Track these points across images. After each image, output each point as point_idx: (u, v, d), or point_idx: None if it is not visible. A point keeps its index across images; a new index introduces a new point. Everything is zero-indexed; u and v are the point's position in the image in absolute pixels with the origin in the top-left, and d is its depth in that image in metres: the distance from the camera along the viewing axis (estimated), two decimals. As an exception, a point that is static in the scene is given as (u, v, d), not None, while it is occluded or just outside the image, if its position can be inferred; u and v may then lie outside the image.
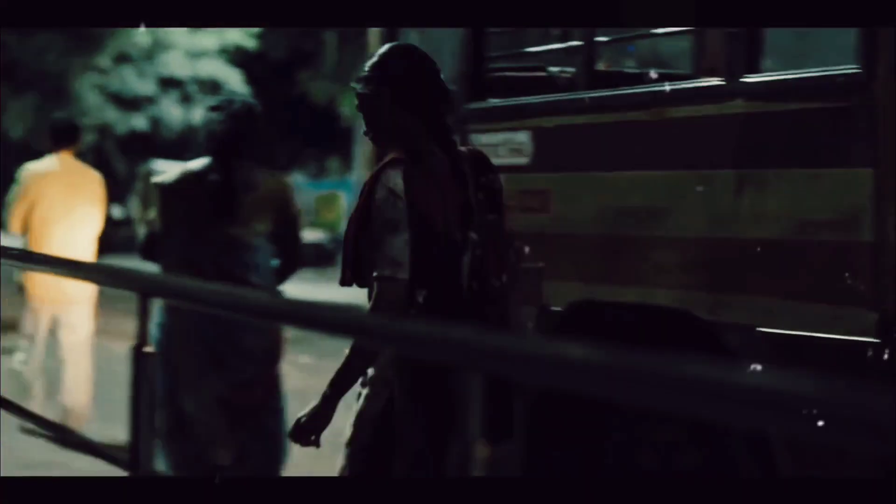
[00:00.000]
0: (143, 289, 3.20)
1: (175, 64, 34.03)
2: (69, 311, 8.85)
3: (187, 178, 5.58)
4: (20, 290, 8.76)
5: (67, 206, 8.71)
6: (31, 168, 8.81)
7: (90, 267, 3.92)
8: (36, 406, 8.48)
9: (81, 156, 9.60)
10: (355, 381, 3.95)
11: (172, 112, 34.69)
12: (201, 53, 33.93)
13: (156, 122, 35.14)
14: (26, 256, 5.00)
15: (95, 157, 36.82)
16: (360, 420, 4.15)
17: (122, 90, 34.45)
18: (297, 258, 5.74)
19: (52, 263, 4.61)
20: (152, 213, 5.78)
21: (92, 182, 9.01)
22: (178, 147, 34.14)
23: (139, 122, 34.86)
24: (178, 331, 5.50)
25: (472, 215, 3.97)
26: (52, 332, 8.91)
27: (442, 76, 4.06)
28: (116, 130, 35.39)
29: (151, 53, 34.20)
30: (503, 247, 4.11)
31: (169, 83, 34.60)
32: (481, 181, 4.03)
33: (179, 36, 33.54)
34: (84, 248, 8.80)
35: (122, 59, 34.44)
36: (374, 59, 4.05)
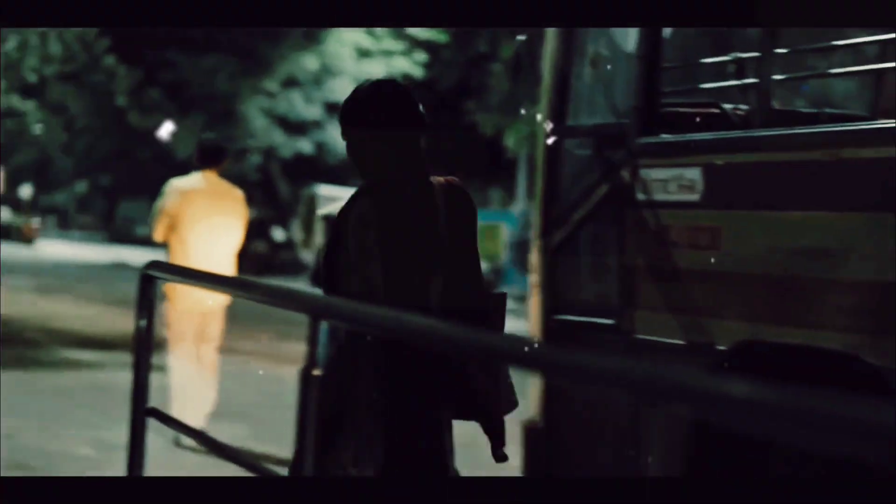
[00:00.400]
0: (314, 311, 3.29)
1: (342, 90, 34.55)
2: (207, 320, 9.26)
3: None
4: (162, 299, 9.05)
5: (209, 221, 9.14)
6: (177, 183, 9.24)
7: (261, 288, 4.04)
8: (189, 418, 8.70)
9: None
10: None
11: (337, 137, 35.19)
12: (368, 80, 34.38)
13: (321, 147, 35.73)
14: (196, 275, 5.15)
15: (260, 179, 37.51)
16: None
17: (288, 114, 35.09)
18: None
19: (224, 283, 4.74)
20: (319, 241, 6.04)
21: (234, 199, 9.42)
22: (342, 172, 34.64)
23: (305, 146, 35.48)
24: (351, 352, 5.71)
25: (441, 241, 4.20)
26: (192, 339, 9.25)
27: (420, 108, 4.27)
28: (282, 154, 36.04)
29: (319, 79, 34.77)
30: (473, 271, 4.30)
31: (335, 108, 35.14)
32: (453, 209, 4.24)
33: (347, 62, 34.05)
34: (223, 261, 9.21)
35: (291, 83, 35.06)
36: (353, 94, 4.28)
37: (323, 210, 6.03)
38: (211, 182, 9.27)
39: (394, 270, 4.14)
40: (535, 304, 5.88)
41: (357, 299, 4.02)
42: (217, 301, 9.17)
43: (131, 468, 4.18)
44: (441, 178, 4.29)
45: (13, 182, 77.45)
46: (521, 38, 6.35)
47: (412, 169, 4.23)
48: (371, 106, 4.21)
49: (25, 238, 55.94)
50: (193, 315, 9.09)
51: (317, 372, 3.31)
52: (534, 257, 5.94)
